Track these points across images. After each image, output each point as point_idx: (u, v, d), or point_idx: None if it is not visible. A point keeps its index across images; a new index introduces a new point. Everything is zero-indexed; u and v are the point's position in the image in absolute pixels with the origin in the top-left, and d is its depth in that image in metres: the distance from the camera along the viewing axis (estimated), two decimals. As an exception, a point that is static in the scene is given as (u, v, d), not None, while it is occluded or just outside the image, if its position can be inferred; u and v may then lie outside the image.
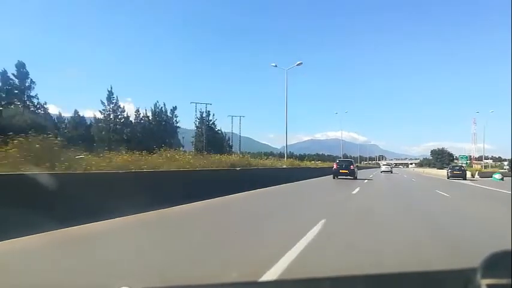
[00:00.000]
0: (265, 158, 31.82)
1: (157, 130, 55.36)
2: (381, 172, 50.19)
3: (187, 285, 0.99)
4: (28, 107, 41.91)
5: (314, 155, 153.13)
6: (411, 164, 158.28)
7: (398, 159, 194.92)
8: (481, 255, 0.81)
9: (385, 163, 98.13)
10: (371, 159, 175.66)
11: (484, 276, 0.77)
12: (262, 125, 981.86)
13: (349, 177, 24.19)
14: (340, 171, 24.29)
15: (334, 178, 24.19)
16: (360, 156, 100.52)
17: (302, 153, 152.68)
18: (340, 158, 41.86)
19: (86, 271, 3.67)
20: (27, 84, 42.23)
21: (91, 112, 57.45)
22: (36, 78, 44.37)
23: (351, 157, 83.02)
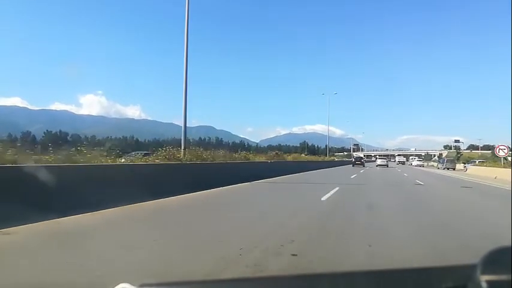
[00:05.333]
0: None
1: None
2: (377, 166, 47.16)
3: (187, 281, 0.96)
4: None
5: (276, 146, 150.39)
6: (399, 154, 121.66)
7: (378, 151, 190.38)
8: (481, 252, 0.82)
9: (370, 155, 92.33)
10: (346, 150, 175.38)
11: (483, 273, 0.76)
12: (241, 119, 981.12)
13: (361, 165, 44.24)
14: (356, 162, 46.35)
15: (353, 166, 43.87)
16: (329, 147, 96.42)
17: (278, 146, 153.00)
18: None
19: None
20: None
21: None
22: None
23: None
